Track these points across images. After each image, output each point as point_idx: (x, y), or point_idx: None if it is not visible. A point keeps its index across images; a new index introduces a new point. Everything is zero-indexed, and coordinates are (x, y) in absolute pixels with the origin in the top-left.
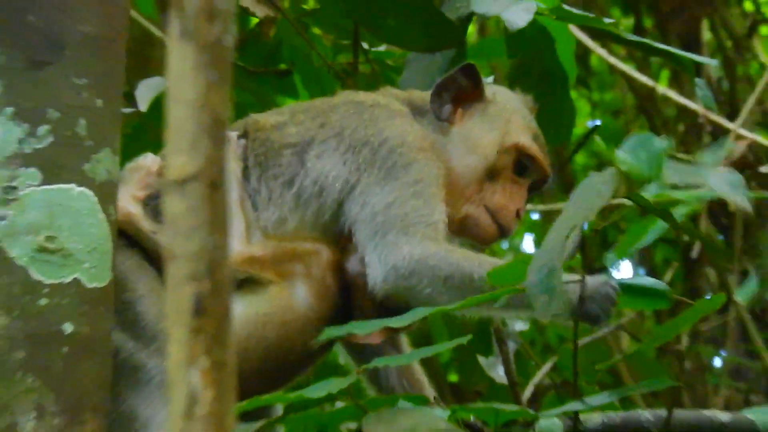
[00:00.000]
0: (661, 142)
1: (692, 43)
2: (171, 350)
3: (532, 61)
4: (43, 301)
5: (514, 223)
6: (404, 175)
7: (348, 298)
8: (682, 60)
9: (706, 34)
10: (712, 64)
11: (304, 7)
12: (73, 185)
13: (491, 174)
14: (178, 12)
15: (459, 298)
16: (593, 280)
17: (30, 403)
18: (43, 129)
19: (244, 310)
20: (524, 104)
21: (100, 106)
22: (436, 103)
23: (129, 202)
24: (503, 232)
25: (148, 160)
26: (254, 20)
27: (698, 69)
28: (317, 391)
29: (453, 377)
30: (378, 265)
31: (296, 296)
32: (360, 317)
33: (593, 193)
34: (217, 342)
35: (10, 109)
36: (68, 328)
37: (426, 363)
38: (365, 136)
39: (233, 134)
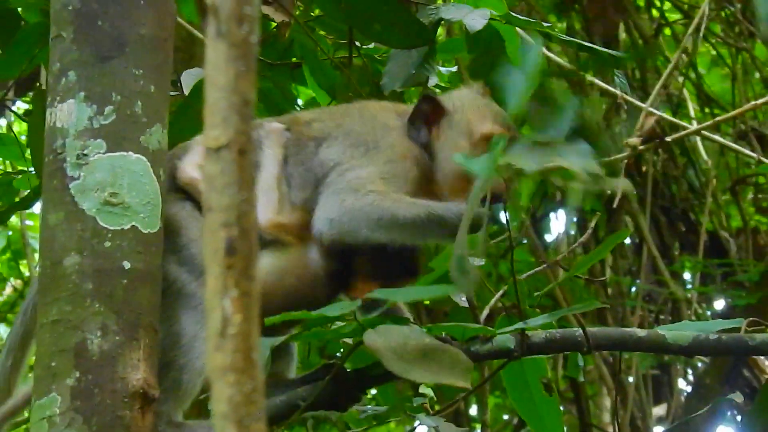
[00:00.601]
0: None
1: (612, 42)
2: (208, 282)
3: (486, 55)
4: (108, 244)
5: (504, 190)
6: (381, 165)
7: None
8: (602, 55)
9: (623, 35)
10: (624, 57)
11: (312, 14)
12: (131, 153)
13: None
14: (214, 17)
15: (394, 237)
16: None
17: (97, 324)
18: (108, 109)
19: (270, 262)
20: (478, 94)
21: (153, 91)
22: (412, 131)
23: (193, 170)
24: (498, 201)
25: None
26: (273, 24)
27: (617, 60)
28: (332, 311)
29: (426, 302)
30: (321, 215)
31: (309, 256)
32: (359, 275)
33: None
34: (244, 276)
35: (82, 94)
36: (127, 264)
37: None
38: (365, 139)
39: (281, 126)
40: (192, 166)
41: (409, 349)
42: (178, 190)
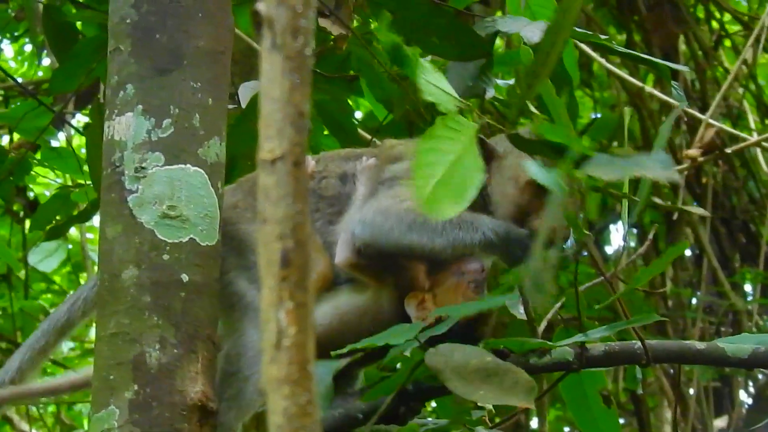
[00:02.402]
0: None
1: (671, 54)
2: (264, 295)
3: None
4: (166, 256)
5: (564, 233)
6: None
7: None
8: (660, 67)
9: (682, 47)
10: (684, 70)
11: (369, 27)
12: (189, 165)
13: (524, 210)
14: (269, 29)
15: (425, 242)
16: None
17: (155, 337)
18: (166, 122)
19: (347, 301)
20: (528, 135)
21: (211, 104)
22: None
23: None
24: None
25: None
26: (330, 37)
27: (675, 74)
28: (396, 339)
29: None
30: (356, 217)
31: (385, 299)
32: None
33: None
34: (299, 288)
35: (140, 107)
36: (185, 277)
37: None
38: None
39: (375, 162)
40: None
41: (471, 369)
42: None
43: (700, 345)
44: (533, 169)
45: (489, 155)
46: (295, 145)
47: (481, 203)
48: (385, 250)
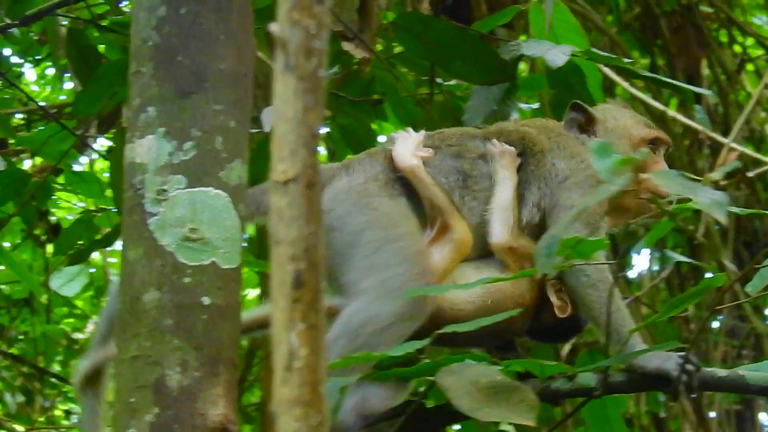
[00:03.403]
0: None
1: (694, 77)
2: (275, 316)
3: (568, 91)
4: (187, 279)
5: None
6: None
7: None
8: (684, 90)
9: (705, 71)
10: (707, 93)
11: (393, 50)
12: (211, 188)
13: (637, 167)
14: (283, 50)
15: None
16: None
17: (176, 359)
18: (188, 144)
19: (495, 283)
20: (621, 106)
21: (233, 126)
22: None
23: (412, 158)
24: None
25: (413, 133)
26: (354, 60)
27: (699, 97)
28: (397, 351)
29: None
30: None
31: (525, 284)
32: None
33: (605, 186)
34: (311, 309)
35: (162, 129)
36: (207, 300)
37: None
38: (575, 151)
39: (514, 151)
40: (409, 155)
41: (480, 387)
42: (394, 182)
43: (722, 372)
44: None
45: (588, 121)
46: (308, 167)
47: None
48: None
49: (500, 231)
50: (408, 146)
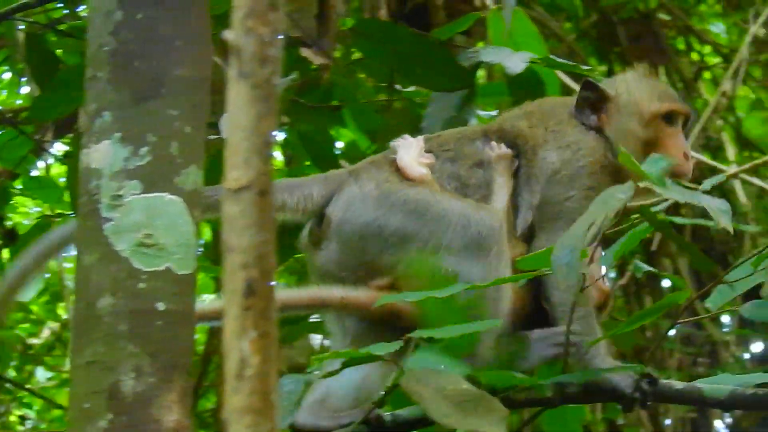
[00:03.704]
0: (666, 162)
1: None
2: (227, 324)
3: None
4: (142, 285)
5: (686, 164)
6: (586, 179)
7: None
8: None
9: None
10: None
11: (352, 57)
12: (166, 194)
13: (649, 143)
14: (237, 58)
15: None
16: None
17: (131, 365)
18: (143, 150)
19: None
20: (641, 76)
21: (189, 132)
22: (580, 118)
23: (419, 167)
24: (684, 176)
25: (412, 139)
26: (313, 66)
27: None
28: (378, 349)
29: None
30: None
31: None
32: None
33: (613, 198)
34: (263, 317)
35: (118, 135)
36: (161, 306)
37: None
38: (569, 142)
39: (510, 152)
40: (415, 162)
41: (446, 394)
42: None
43: (679, 385)
44: (626, 157)
45: (601, 98)
46: (261, 175)
47: (608, 150)
48: None
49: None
50: (412, 154)
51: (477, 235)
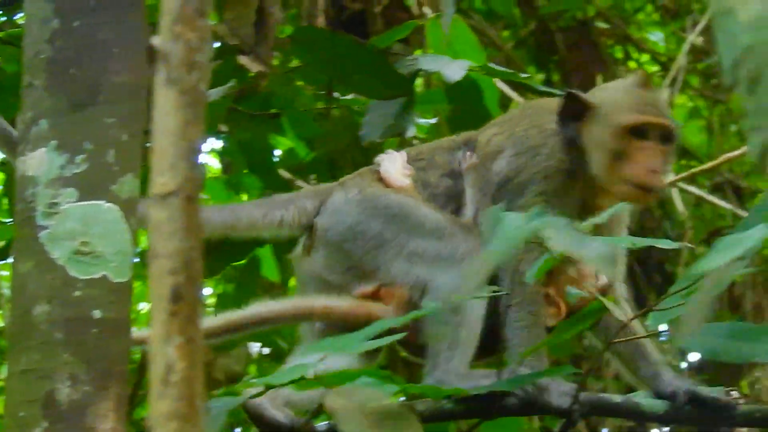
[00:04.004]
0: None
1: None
2: (153, 329)
3: (465, 106)
4: (78, 293)
5: (655, 178)
6: (541, 184)
7: None
8: None
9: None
10: None
11: (290, 64)
12: (103, 202)
13: (618, 156)
14: (164, 63)
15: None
16: None
17: (66, 374)
18: (80, 158)
19: None
20: (633, 83)
21: (126, 139)
22: (562, 128)
23: (403, 178)
24: (650, 191)
25: (396, 153)
26: (251, 74)
27: None
28: (288, 375)
29: (403, 353)
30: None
31: None
32: None
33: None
34: (189, 323)
35: (54, 142)
36: (97, 313)
37: None
38: (529, 146)
39: (476, 162)
40: (399, 173)
41: (367, 411)
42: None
43: (618, 398)
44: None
45: (583, 108)
46: (188, 180)
47: (575, 157)
48: None
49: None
50: (396, 166)
51: (450, 248)
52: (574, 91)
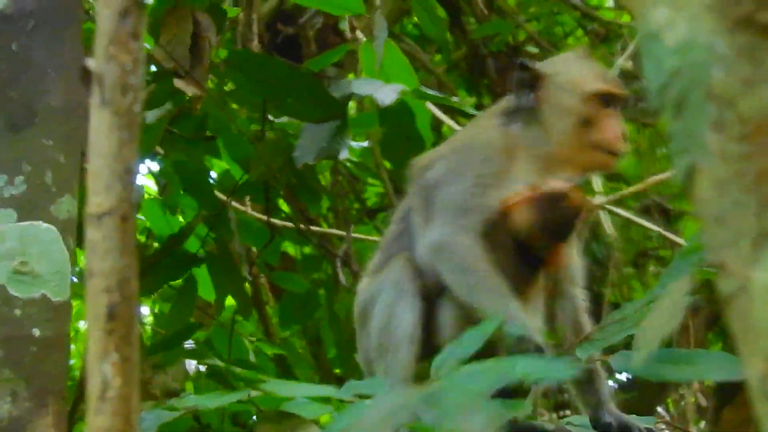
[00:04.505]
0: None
1: None
2: (89, 347)
3: (398, 130)
4: (18, 312)
5: (620, 143)
6: (478, 166)
7: None
8: None
9: None
10: None
11: (225, 87)
12: (41, 222)
13: (586, 122)
14: (99, 85)
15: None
16: None
17: (6, 390)
18: (18, 179)
19: None
20: (577, 56)
21: (63, 161)
22: (521, 98)
23: None
24: (615, 154)
25: None
26: (187, 97)
27: None
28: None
29: (337, 370)
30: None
31: None
32: None
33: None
34: (125, 341)
35: None
36: (36, 332)
37: (316, 357)
38: (462, 140)
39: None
40: None
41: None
42: None
43: (549, 427)
44: None
45: (535, 78)
46: (122, 201)
47: (535, 135)
48: None
49: None
50: None
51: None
52: (524, 60)
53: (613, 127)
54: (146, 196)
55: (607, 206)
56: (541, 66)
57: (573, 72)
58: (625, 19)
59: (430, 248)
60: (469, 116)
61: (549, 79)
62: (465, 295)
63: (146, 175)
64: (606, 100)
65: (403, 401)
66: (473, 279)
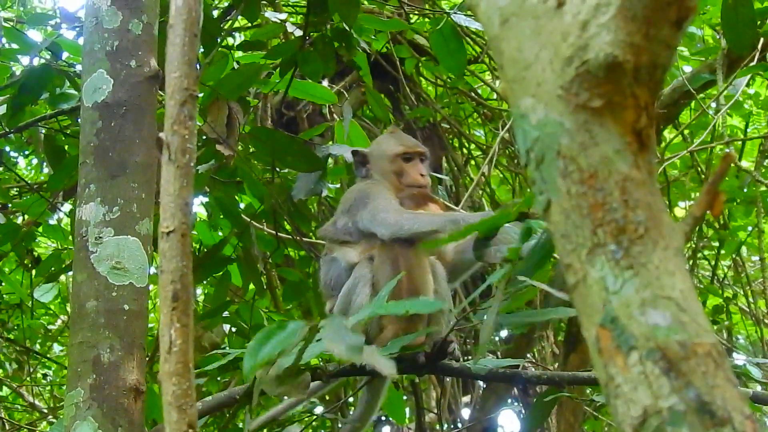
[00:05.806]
0: None
1: (438, 169)
2: (161, 317)
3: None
4: (114, 293)
5: (422, 180)
6: (384, 198)
7: None
8: (432, 178)
9: (445, 164)
10: (445, 179)
11: (249, 150)
12: (129, 236)
13: (397, 173)
14: (167, 149)
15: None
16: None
17: (107, 345)
18: (115, 209)
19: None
20: (389, 134)
21: (144, 197)
22: (359, 172)
23: None
24: (422, 186)
25: None
26: (223, 156)
27: (440, 181)
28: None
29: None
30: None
31: None
32: None
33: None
34: (184, 314)
35: (99, 199)
36: (126, 307)
37: None
38: (360, 196)
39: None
40: None
41: (275, 371)
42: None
43: (456, 365)
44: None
45: (363, 159)
46: (182, 223)
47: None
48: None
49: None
50: None
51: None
52: (356, 149)
53: (415, 172)
54: (198, 219)
55: None
56: (366, 149)
57: (383, 145)
58: (505, 105)
59: (391, 229)
60: None
61: (371, 155)
62: (433, 232)
63: (199, 206)
64: (406, 157)
65: (303, 329)
66: (434, 222)
